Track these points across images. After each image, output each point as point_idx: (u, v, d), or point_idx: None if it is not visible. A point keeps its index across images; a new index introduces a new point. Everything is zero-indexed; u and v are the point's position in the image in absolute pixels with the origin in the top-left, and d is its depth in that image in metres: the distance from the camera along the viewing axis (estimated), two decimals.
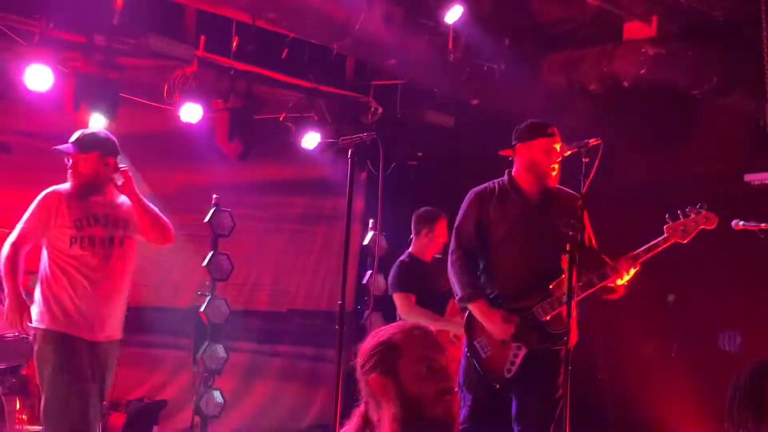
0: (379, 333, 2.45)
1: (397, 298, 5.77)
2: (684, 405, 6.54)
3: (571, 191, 4.27)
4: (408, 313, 5.64)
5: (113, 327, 4.50)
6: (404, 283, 5.77)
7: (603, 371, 7.29)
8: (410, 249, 5.98)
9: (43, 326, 4.34)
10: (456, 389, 2.44)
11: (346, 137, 3.82)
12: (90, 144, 4.57)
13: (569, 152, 4.11)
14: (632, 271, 4.23)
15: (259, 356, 7.88)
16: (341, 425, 3.58)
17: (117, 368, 4.64)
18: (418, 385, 2.34)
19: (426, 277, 5.77)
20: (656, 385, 6.79)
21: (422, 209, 6.02)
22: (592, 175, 3.81)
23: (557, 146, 4.33)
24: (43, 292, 4.40)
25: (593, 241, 4.47)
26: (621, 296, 4.44)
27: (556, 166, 4.32)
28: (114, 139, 4.65)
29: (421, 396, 2.34)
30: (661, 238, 4.27)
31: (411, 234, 6.05)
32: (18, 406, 5.45)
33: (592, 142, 3.87)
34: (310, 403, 8.07)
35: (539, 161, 4.37)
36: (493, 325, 4.28)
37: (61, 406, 4.23)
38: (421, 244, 5.93)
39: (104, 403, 5.89)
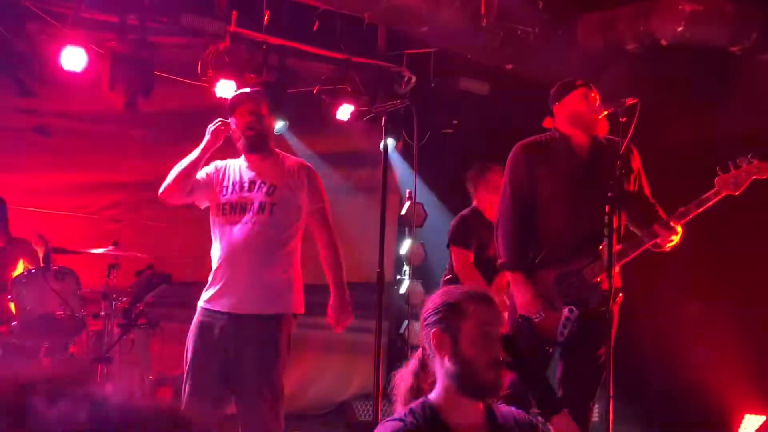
0: (449, 292, 2.64)
1: (453, 252, 5.74)
2: (730, 370, 6.46)
3: (618, 139, 4.01)
4: (462, 270, 5.60)
5: None
6: (461, 238, 5.72)
7: (646, 335, 7.23)
8: (474, 203, 5.91)
9: None
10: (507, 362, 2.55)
11: (379, 105, 3.78)
12: None
13: (606, 112, 4.04)
14: (679, 229, 4.14)
15: (303, 329, 7.88)
16: (383, 394, 3.63)
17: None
18: (473, 349, 2.53)
19: (483, 234, 5.69)
20: (701, 348, 6.71)
21: (473, 166, 5.96)
22: (629, 134, 3.74)
23: (593, 94, 4.27)
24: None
25: (646, 191, 4.37)
26: (670, 250, 4.33)
27: (600, 111, 4.16)
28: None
29: (475, 360, 2.52)
30: (712, 191, 4.14)
31: (447, 203, 6.01)
32: None
33: (629, 101, 3.79)
34: (353, 374, 8.11)
35: (579, 110, 4.28)
36: (522, 302, 4.23)
37: None
38: (480, 199, 5.86)
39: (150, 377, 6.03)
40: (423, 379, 2.66)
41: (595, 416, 4.83)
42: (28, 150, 6.52)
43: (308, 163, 4.46)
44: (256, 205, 4.17)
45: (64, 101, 6.55)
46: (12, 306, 5.41)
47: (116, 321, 5.74)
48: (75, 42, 5.93)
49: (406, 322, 7.47)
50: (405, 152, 7.86)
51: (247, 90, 4.41)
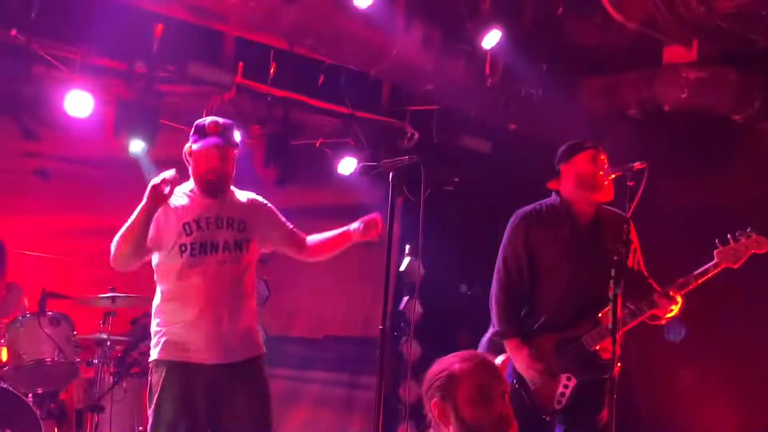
0: (442, 361, 2.61)
1: None
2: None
3: (621, 213, 4.08)
4: None
5: None
6: None
7: (642, 399, 7.17)
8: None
9: None
10: (510, 414, 2.52)
11: (387, 160, 3.78)
12: None
13: (614, 176, 4.04)
14: (680, 300, 4.14)
15: (295, 382, 7.84)
16: None
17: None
18: (474, 411, 2.48)
19: None
20: (699, 413, 6.65)
21: None
22: (637, 198, 3.75)
23: (602, 157, 4.25)
24: None
25: (641, 266, 4.37)
26: (666, 322, 4.34)
27: (607, 174, 4.15)
28: None
29: (477, 421, 2.47)
30: (711, 263, 4.18)
31: (446, 260, 5.92)
32: None
33: (637, 165, 3.81)
34: (346, 430, 8.01)
35: (586, 172, 4.24)
36: (523, 365, 4.19)
37: None
38: None
39: None
40: None
41: None
42: (28, 193, 6.50)
43: (255, 194, 4.27)
44: (231, 242, 3.98)
45: (67, 146, 6.54)
46: (5, 350, 5.34)
47: (109, 369, 5.67)
48: (81, 87, 5.95)
49: (401, 380, 7.38)
50: (405, 208, 7.86)
51: (219, 122, 4.05)
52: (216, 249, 3.94)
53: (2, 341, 5.30)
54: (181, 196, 4.05)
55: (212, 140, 3.97)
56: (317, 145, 7.40)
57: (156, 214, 3.90)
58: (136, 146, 6.20)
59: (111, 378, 5.67)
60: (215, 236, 3.96)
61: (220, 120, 4.07)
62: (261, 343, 4.10)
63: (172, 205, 3.99)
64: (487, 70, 6.47)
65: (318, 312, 8.20)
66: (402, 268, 7.61)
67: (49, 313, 5.40)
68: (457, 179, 7.96)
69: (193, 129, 4.09)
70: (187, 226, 3.95)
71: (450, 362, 2.57)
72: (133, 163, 6.60)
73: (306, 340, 8.05)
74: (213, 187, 4.01)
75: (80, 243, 6.70)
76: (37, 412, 5.12)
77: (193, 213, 3.98)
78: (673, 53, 6.48)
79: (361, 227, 4.23)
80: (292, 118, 7.20)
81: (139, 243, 3.91)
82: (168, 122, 6.50)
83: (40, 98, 6.07)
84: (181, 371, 3.88)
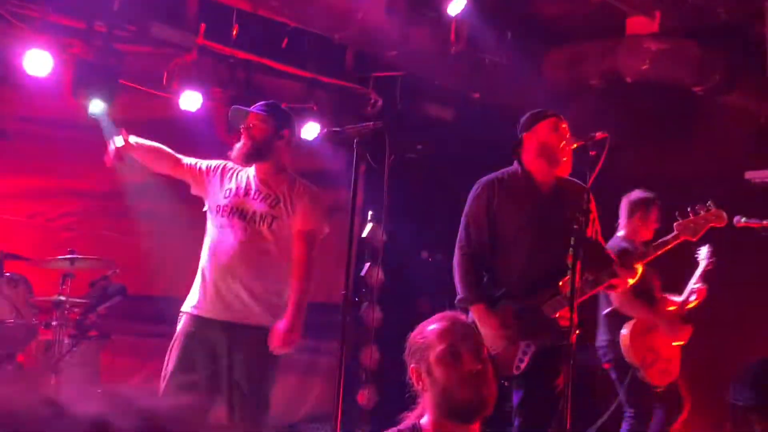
0: (419, 326, 2.64)
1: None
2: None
3: (581, 183, 4.17)
4: (624, 303, 5.52)
5: None
6: None
7: (598, 366, 7.28)
8: (623, 232, 5.69)
9: None
10: (484, 370, 2.52)
11: (351, 126, 3.77)
12: None
13: (576, 145, 4.08)
14: (640, 269, 4.22)
15: None
16: (342, 414, 3.59)
17: None
18: (444, 372, 2.50)
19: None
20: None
21: (636, 192, 5.78)
22: (598, 168, 3.80)
23: (564, 125, 4.28)
24: None
25: (599, 236, 4.44)
26: (621, 291, 4.44)
27: (568, 147, 4.19)
28: None
29: (448, 382, 2.49)
30: (671, 235, 4.29)
31: (408, 227, 5.95)
32: None
33: (599, 135, 3.85)
34: (306, 396, 8.04)
35: (548, 141, 4.28)
36: (490, 332, 4.23)
37: None
38: (634, 228, 5.66)
39: None
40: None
41: None
42: None
43: (316, 188, 4.53)
44: (258, 214, 4.22)
45: (26, 106, 6.43)
46: None
47: (68, 331, 5.63)
48: (40, 46, 5.83)
49: (362, 345, 7.42)
50: (367, 175, 7.85)
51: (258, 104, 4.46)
52: (244, 217, 4.22)
53: None
54: (235, 165, 4.39)
55: (251, 108, 4.37)
56: None
57: (213, 169, 4.37)
58: (96, 106, 6.11)
59: (69, 340, 5.62)
60: (246, 204, 4.25)
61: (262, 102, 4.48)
62: (277, 315, 4.21)
63: (227, 169, 4.37)
64: (452, 38, 6.45)
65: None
66: (364, 234, 7.63)
67: (7, 274, 5.34)
68: (420, 146, 7.97)
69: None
70: (228, 191, 4.29)
71: (423, 326, 2.61)
72: (92, 124, 6.50)
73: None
74: (249, 152, 4.30)
75: (39, 204, 6.62)
76: None
77: (237, 180, 4.32)
78: (636, 24, 6.52)
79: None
80: (255, 81, 7.13)
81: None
82: (128, 83, 6.40)
83: None
84: (194, 323, 4.19)
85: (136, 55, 6.53)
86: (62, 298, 5.60)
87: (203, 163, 4.42)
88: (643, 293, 5.52)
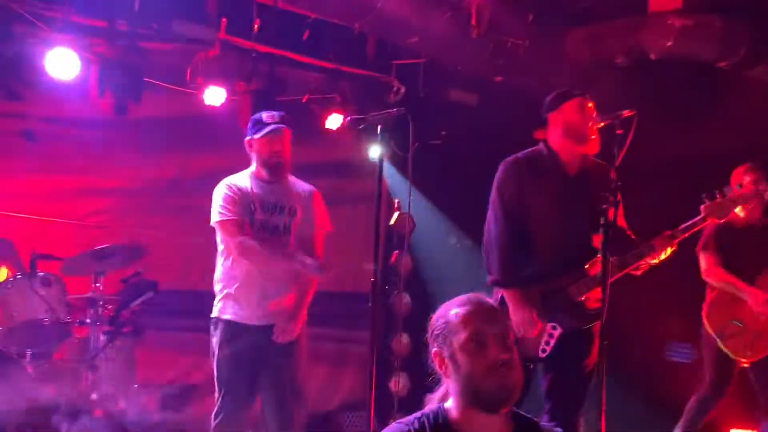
0: (442, 308, 2.54)
1: (703, 257, 5.56)
2: None
3: (606, 164, 4.14)
4: (706, 273, 5.49)
5: None
6: (711, 243, 5.51)
7: (632, 352, 7.25)
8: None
9: None
10: (510, 358, 2.42)
11: (375, 113, 3.77)
12: None
13: (602, 124, 4.03)
14: (669, 251, 4.18)
15: None
16: (376, 402, 3.61)
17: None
18: (469, 360, 2.41)
19: (738, 240, 5.51)
20: (687, 365, 6.72)
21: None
22: (626, 147, 3.75)
23: (590, 105, 4.23)
24: None
25: (622, 219, 4.41)
26: (643, 272, 4.39)
27: (595, 126, 4.15)
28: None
29: (473, 371, 2.40)
30: (699, 217, 4.24)
31: (434, 213, 5.92)
32: None
33: (626, 113, 3.79)
34: (338, 385, 8.08)
35: (574, 121, 4.24)
36: (521, 320, 4.20)
37: None
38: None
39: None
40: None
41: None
42: (14, 154, 6.47)
43: (314, 188, 4.80)
44: (282, 226, 4.53)
45: (52, 106, 6.49)
46: None
47: (102, 328, 5.70)
48: (64, 46, 5.88)
49: (392, 333, 7.45)
50: (393, 162, 7.86)
51: (274, 114, 4.61)
52: (275, 231, 4.52)
53: None
54: (250, 179, 4.59)
55: (272, 127, 4.51)
56: (303, 101, 7.36)
57: (230, 193, 4.52)
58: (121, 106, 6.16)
59: (104, 337, 5.69)
60: (275, 220, 4.53)
61: (275, 112, 4.64)
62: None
63: (237, 187, 4.54)
64: (473, 22, 6.41)
65: None
66: (391, 222, 7.63)
67: (40, 274, 5.41)
68: (444, 132, 7.94)
69: (250, 124, 4.62)
70: (252, 207, 4.50)
71: (447, 309, 2.51)
72: (118, 122, 6.57)
73: None
74: (276, 169, 4.55)
75: (68, 204, 6.69)
76: (31, 372, 5.15)
77: (259, 196, 4.53)
78: (659, 1, 6.43)
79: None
80: (278, 74, 7.15)
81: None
82: (152, 80, 6.45)
83: (22, 58, 6.00)
84: (234, 330, 4.50)
85: (159, 52, 6.58)
86: (95, 295, 5.67)
87: (234, 209, 4.53)
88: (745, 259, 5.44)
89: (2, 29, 5.91)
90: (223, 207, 4.49)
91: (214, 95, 6.56)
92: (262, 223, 4.49)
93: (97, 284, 5.70)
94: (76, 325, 5.67)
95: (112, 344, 5.70)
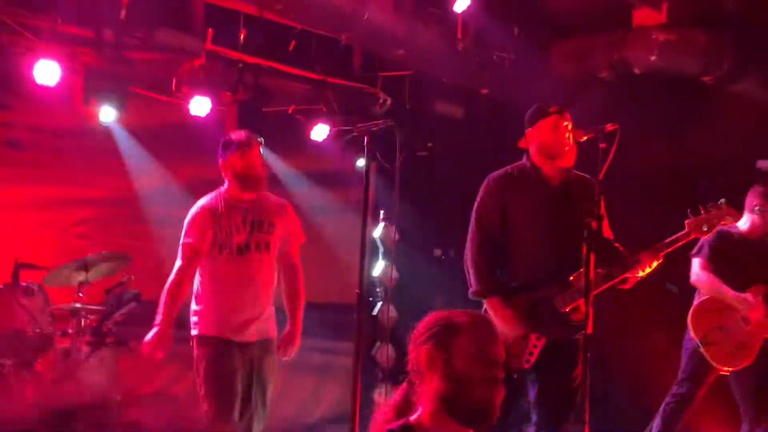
0: (441, 312, 2.53)
1: (694, 263, 5.47)
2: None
3: (590, 177, 4.22)
4: (695, 278, 5.43)
5: None
6: (706, 250, 5.41)
7: (613, 361, 7.27)
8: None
9: None
10: (500, 378, 2.45)
11: (362, 125, 3.79)
12: None
13: (585, 138, 4.07)
14: (654, 264, 4.21)
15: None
16: (360, 414, 3.60)
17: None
18: (467, 364, 2.40)
19: (737, 251, 5.43)
20: (669, 375, 6.74)
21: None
22: (609, 160, 3.79)
23: (564, 123, 4.28)
24: None
25: (608, 231, 4.44)
26: (631, 286, 4.43)
27: (569, 141, 4.22)
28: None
29: (468, 375, 2.39)
30: (682, 232, 4.29)
31: (420, 225, 5.93)
32: None
33: (609, 127, 3.85)
34: (321, 397, 8.05)
35: (547, 140, 4.31)
36: (505, 324, 4.23)
37: None
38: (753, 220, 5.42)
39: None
40: (404, 412, 2.52)
41: None
42: None
43: (286, 201, 4.85)
44: (262, 243, 4.53)
45: (37, 115, 6.47)
46: None
47: (85, 339, 5.66)
48: (49, 56, 5.86)
49: (377, 343, 7.45)
50: (378, 173, 7.87)
51: (241, 133, 4.67)
52: (249, 249, 4.51)
53: None
54: (220, 199, 4.57)
55: (242, 141, 4.55)
56: (289, 111, 7.36)
57: (199, 219, 4.51)
58: (107, 114, 6.15)
59: (87, 348, 5.66)
60: (249, 239, 4.51)
61: (242, 132, 4.70)
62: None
63: (209, 211, 4.51)
64: (459, 35, 6.45)
65: None
66: (376, 234, 7.64)
67: (23, 284, 5.37)
68: (430, 144, 7.97)
69: (220, 146, 4.62)
70: (223, 228, 4.49)
71: (451, 314, 2.50)
72: (104, 132, 6.55)
73: (280, 306, 8.05)
74: (251, 183, 4.53)
75: (52, 213, 6.65)
76: (13, 382, 5.11)
77: (231, 216, 4.51)
78: (643, 16, 6.50)
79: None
80: (264, 84, 7.15)
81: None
82: (138, 90, 6.44)
83: (8, 67, 5.99)
84: (218, 346, 4.50)
85: (144, 62, 6.57)
86: (78, 305, 5.63)
87: (198, 234, 4.52)
88: (742, 276, 5.38)
89: None
90: (185, 231, 4.54)
91: (200, 105, 6.55)
92: (237, 243, 4.49)
93: (80, 294, 5.66)
94: (59, 335, 5.63)
95: (95, 355, 5.66)
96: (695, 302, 5.53)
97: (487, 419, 2.42)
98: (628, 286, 4.36)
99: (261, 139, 4.64)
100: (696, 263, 5.50)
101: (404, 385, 2.55)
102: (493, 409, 2.41)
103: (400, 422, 2.48)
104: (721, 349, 5.40)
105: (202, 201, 4.59)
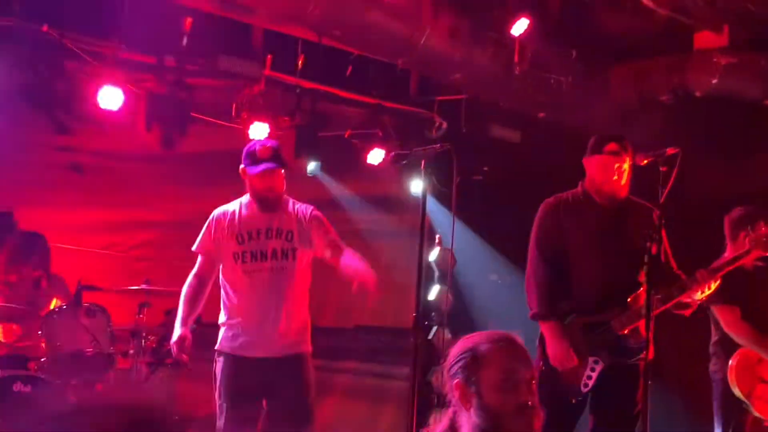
0: (467, 339, 2.48)
1: (720, 312, 5.16)
2: None
3: (646, 203, 4.23)
4: (731, 327, 5.12)
5: None
6: (728, 295, 5.03)
7: (675, 389, 7.11)
8: (726, 255, 5.09)
9: None
10: (534, 404, 2.40)
11: (419, 149, 3.79)
12: None
13: (646, 161, 4.02)
14: (713, 285, 4.14)
15: (324, 373, 7.85)
16: None
17: None
18: (497, 396, 2.36)
19: (750, 287, 5.14)
20: None
21: (736, 210, 5.22)
22: (670, 184, 3.74)
23: (617, 165, 4.29)
24: None
25: (669, 257, 4.38)
26: (693, 312, 4.34)
27: (618, 178, 4.29)
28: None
29: (500, 408, 2.35)
30: (744, 250, 4.21)
31: (475, 249, 5.90)
32: None
33: (670, 150, 3.81)
34: (376, 421, 8.02)
35: (595, 178, 4.39)
36: (557, 352, 4.21)
37: None
38: (740, 247, 5.07)
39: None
40: None
41: None
42: (62, 187, 6.60)
43: (312, 205, 4.65)
44: (279, 250, 4.38)
45: (100, 140, 6.63)
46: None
47: (144, 359, 5.73)
48: (112, 81, 6.01)
49: (433, 367, 7.41)
50: (434, 198, 7.86)
51: (268, 147, 4.44)
52: (265, 257, 4.36)
53: (40, 332, 5.37)
54: (240, 207, 4.49)
55: (266, 165, 4.35)
56: (346, 136, 7.42)
57: (215, 226, 4.46)
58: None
59: (146, 368, 5.73)
60: (265, 245, 4.37)
61: (269, 144, 4.50)
62: (307, 341, 4.53)
63: (228, 217, 4.45)
64: (516, 58, 6.43)
65: (347, 302, 8.21)
66: (432, 258, 7.62)
67: (85, 304, 5.47)
68: (486, 168, 7.94)
69: (244, 154, 4.48)
70: (239, 237, 4.39)
71: (476, 342, 2.45)
72: (164, 157, 6.67)
73: (335, 330, 8.07)
74: (269, 203, 4.42)
75: (113, 236, 6.79)
76: (74, 402, 5.18)
77: (247, 224, 4.41)
78: (704, 39, 6.42)
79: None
80: (321, 109, 7.23)
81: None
82: (199, 115, 6.55)
83: (72, 93, 6.15)
84: (237, 363, 4.38)
85: (205, 88, 6.69)
86: (139, 327, 5.72)
87: (208, 241, 4.48)
88: (761, 309, 5.10)
89: (55, 65, 6.06)
90: (200, 237, 4.49)
91: (259, 130, 6.64)
92: (251, 250, 4.36)
93: (141, 315, 5.75)
94: (120, 356, 5.71)
95: (154, 375, 5.73)
96: (734, 360, 5.21)
97: None
98: (689, 312, 4.29)
99: (284, 163, 4.45)
100: (721, 312, 5.14)
101: (450, 410, 2.50)
102: None
103: None
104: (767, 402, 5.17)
105: (221, 208, 4.54)
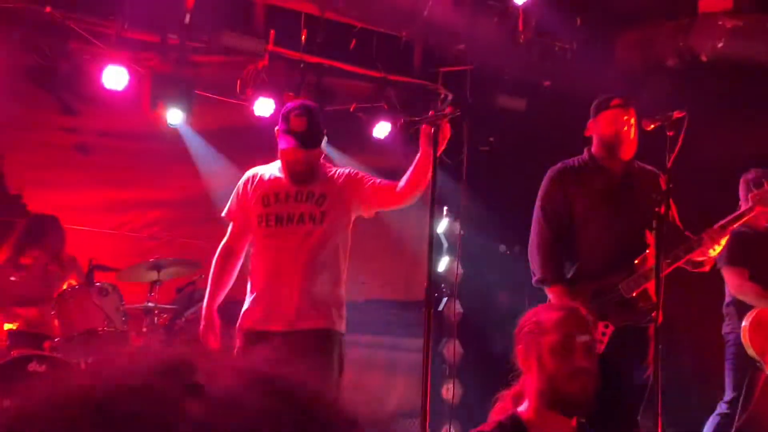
0: (535, 309, 2.67)
1: (727, 273, 5.23)
2: None
3: (652, 168, 4.22)
4: (738, 290, 5.21)
5: None
6: (735, 257, 5.16)
7: (686, 351, 7.13)
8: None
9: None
10: (592, 368, 2.55)
11: (428, 117, 3.77)
12: None
13: (653, 126, 4.00)
14: (722, 241, 4.13)
15: None
16: (430, 408, 3.60)
17: None
18: (554, 360, 2.51)
19: (761, 248, 5.21)
20: None
21: (752, 171, 5.19)
22: (677, 148, 3.73)
23: (625, 117, 4.26)
24: None
25: (677, 220, 4.38)
26: (710, 268, 4.34)
27: (628, 135, 4.23)
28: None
29: (557, 371, 2.50)
30: (747, 206, 4.20)
31: (483, 220, 5.89)
32: None
33: (676, 114, 3.79)
34: (390, 393, 8.08)
35: (606, 133, 4.32)
36: None
37: None
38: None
39: None
40: (518, 402, 2.64)
41: None
42: (69, 167, 6.61)
43: (339, 167, 4.34)
44: (307, 215, 4.02)
45: (105, 120, 6.63)
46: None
47: (157, 337, 5.77)
48: (116, 61, 6.01)
49: (444, 338, 7.45)
50: (440, 169, 7.84)
51: (302, 121, 3.99)
52: (292, 221, 4.01)
53: (53, 312, 5.41)
54: (273, 169, 4.16)
55: (291, 143, 3.97)
56: (351, 110, 7.41)
57: (242, 188, 4.13)
58: (174, 117, 6.27)
59: (160, 346, 5.77)
60: (293, 209, 4.03)
61: (304, 114, 4.01)
62: (332, 316, 4.06)
63: (257, 178, 4.13)
64: (520, 27, 6.41)
65: (358, 276, 8.24)
66: (440, 230, 7.63)
67: (98, 284, 5.50)
68: (492, 139, 7.93)
69: (281, 113, 4.11)
70: (265, 198, 4.06)
71: (541, 310, 2.63)
72: (171, 135, 6.67)
73: (348, 304, 8.09)
74: (299, 177, 4.07)
75: (123, 215, 6.81)
76: None
77: (275, 186, 4.08)
78: (709, 2, 6.38)
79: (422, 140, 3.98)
80: (325, 84, 7.21)
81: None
82: (203, 92, 6.55)
83: (77, 73, 6.15)
84: (250, 338, 4.01)
85: (209, 65, 6.68)
86: (151, 305, 5.75)
87: (234, 205, 4.18)
88: (765, 277, 5.12)
89: (59, 46, 6.06)
90: (229, 201, 4.20)
91: (264, 106, 6.64)
92: (276, 213, 4.01)
93: (153, 293, 5.78)
94: (133, 334, 5.75)
95: None
96: (751, 318, 5.24)
97: (584, 409, 2.54)
98: (706, 268, 4.29)
99: (314, 143, 4.04)
100: (730, 273, 5.22)
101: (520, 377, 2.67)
102: (587, 399, 2.51)
103: (510, 413, 2.60)
104: None
105: (255, 168, 4.21)
